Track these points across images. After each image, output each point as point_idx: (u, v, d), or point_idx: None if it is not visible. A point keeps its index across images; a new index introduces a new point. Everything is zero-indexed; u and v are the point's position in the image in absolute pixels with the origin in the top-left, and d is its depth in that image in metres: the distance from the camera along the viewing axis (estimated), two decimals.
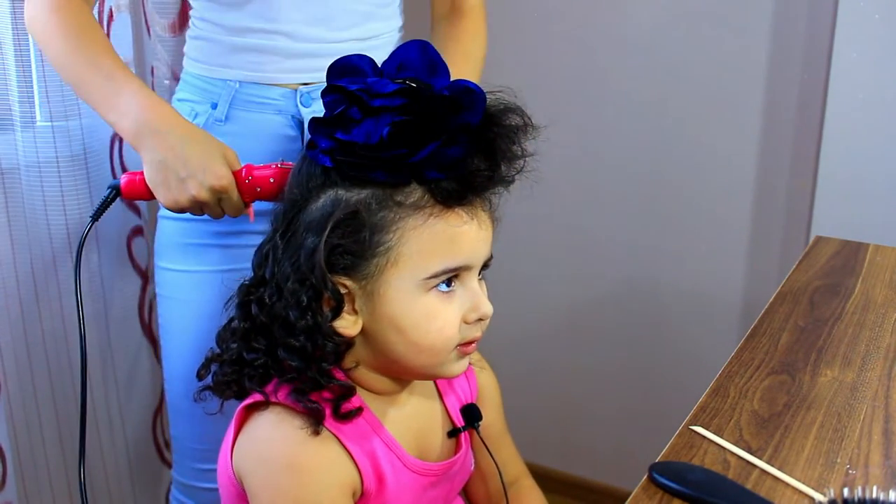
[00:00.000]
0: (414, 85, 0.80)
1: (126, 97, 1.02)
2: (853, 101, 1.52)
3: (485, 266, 0.86)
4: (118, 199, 1.06)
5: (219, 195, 0.99)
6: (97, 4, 1.29)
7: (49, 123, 1.28)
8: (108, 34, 1.33)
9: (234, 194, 1.00)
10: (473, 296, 0.83)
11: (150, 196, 1.03)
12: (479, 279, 0.86)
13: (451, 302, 0.82)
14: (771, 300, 1.21)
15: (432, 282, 0.81)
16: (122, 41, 1.36)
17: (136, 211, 1.45)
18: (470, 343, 0.85)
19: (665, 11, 1.73)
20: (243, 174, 1.00)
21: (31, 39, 1.23)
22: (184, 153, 0.99)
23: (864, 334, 1.10)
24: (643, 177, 1.82)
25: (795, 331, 1.11)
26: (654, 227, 1.84)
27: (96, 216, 1.06)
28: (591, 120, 1.85)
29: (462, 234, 0.81)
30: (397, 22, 1.22)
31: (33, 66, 1.25)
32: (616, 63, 1.80)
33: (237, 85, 1.12)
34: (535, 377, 2.04)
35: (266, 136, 1.12)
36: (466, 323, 0.83)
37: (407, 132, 0.78)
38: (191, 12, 1.18)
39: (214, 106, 1.15)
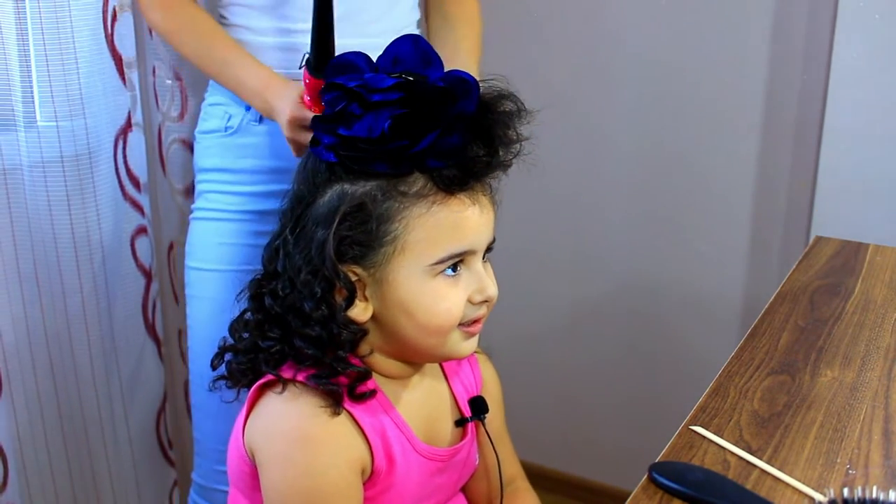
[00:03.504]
0: (410, 78, 0.83)
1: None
2: (853, 101, 1.52)
3: (489, 249, 0.89)
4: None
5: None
6: (101, 4, 1.30)
7: (53, 123, 1.28)
8: (111, 34, 1.33)
9: None
10: (479, 278, 0.87)
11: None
12: (484, 262, 0.89)
13: (457, 285, 0.85)
14: (771, 300, 1.21)
15: (439, 267, 0.84)
16: (125, 41, 1.37)
17: (140, 210, 1.45)
18: (474, 323, 0.88)
19: (665, 11, 1.73)
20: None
21: (31, 38, 1.24)
22: None
23: (864, 334, 1.11)
24: (643, 176, 1.83)
25: (795, 331, 1.11)
26: (655, 226, 1.84)
27: None
28: (590, 119, 1.85)
29: (465, 220, 0.84)
30: (415, 15, 1.26)
31: (34, 65, 1.25)
32: (616, 63, 1.80)
33: None
34: (534, 376, 2.05)
35: None
36: (472, 303, 0.87)
37: (406, 124, 0.81)
38: (217, 20, 1.22)
39: (248, 108, 1.19)
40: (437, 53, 0.85)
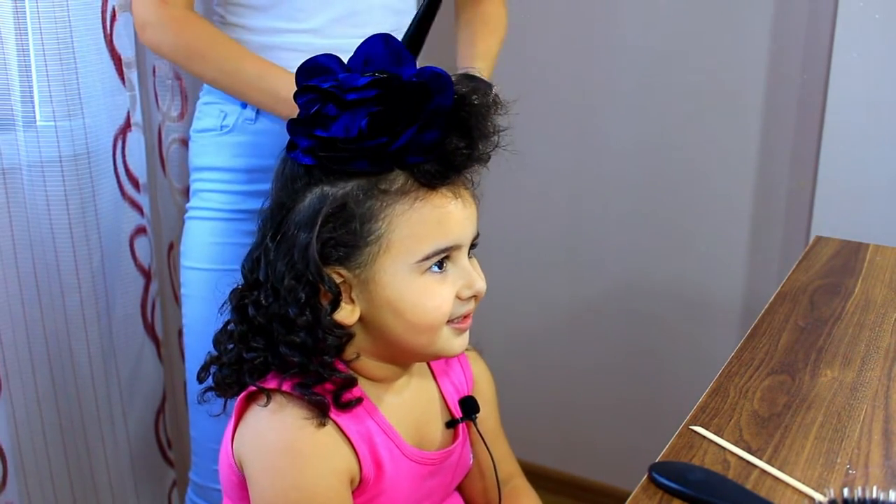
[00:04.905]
0: (385, 76, 0.82)
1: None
2: (853, 101, 1.52)
3: (473, 245, 0.89)
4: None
5: None
6: (101, 4, 1.30)
7: (52, 123, 1.28)
8: (111, 34, 1.33)
9: None
10: (466, 274, 0.86)
11: None
12: (470, 258, 0.88)
13: (444, 281, 0.85)
14: (771, 300, 1.21)
15: (425, 264, 0.84)
16: (124, 41, 1.37)
17: (140, 210, 1.45)
18: (464, 318, 0.88)
19: (664, 11, 1.73)
20: None
21: (31, 38, 1.23)
22: None
23: (864, 334, 1.11)
24: (643, 176, 1.83)
25: (795, 331, 1.11)
26: (655, 226, 1.84)
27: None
28: (590, 120, 1.85)
29: (448, 215, 0.84)
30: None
31: (33, 65, 1.25)
32: (616, 63, 1.80)
33: None
34: (534, 377, 2.05)
35: None
36: (460, 299, 0.86)
37: (384, 121, 0.81)
38: (214, 18, 1.21)
39: (244, 106, 1.19)
40: (408, 52, 0.85)
